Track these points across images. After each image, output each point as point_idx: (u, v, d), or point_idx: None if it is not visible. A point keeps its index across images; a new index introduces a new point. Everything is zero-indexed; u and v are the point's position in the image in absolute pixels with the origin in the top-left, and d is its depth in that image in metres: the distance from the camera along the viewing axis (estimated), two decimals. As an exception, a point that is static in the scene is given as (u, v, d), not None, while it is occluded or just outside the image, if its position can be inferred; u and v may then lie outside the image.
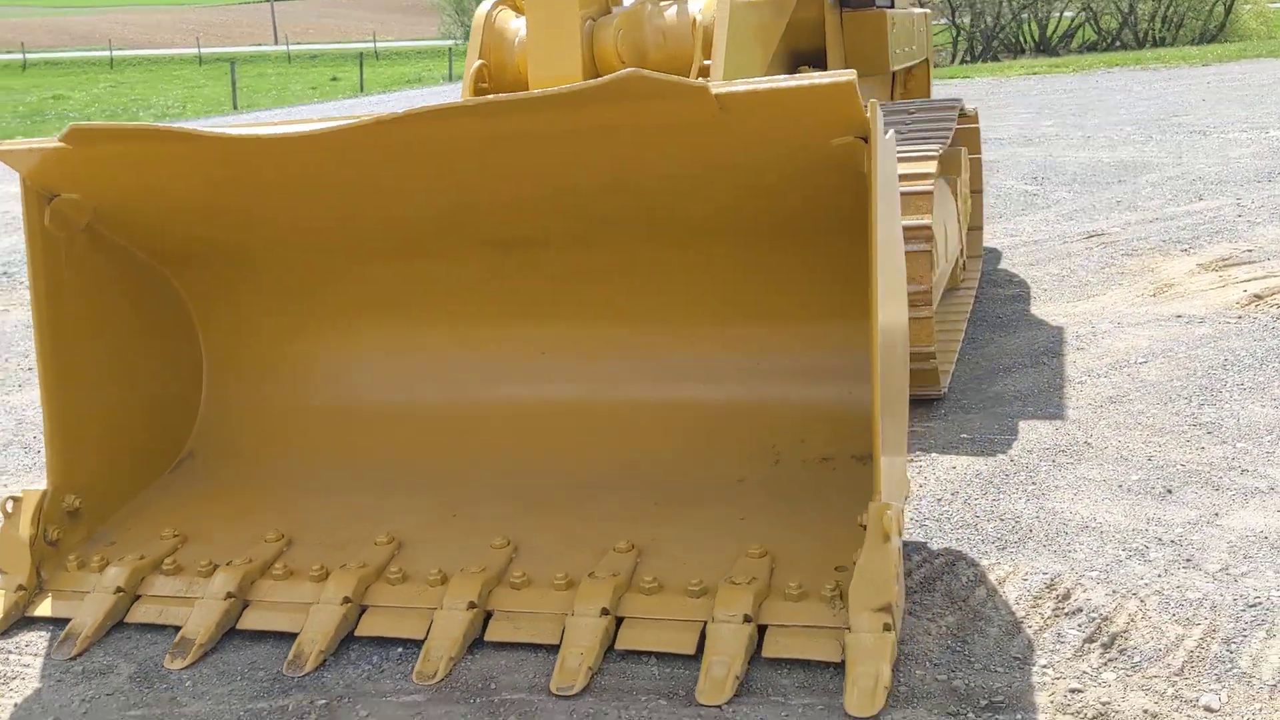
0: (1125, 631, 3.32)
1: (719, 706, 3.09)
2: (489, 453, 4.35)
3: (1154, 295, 6.91)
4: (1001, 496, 4.32)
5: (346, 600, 3.61)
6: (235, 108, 33.13)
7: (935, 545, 3.96)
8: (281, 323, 4.69)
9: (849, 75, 3.10)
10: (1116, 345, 6.02)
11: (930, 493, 4.40)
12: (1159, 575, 3.63)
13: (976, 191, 7.40)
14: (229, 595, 3.72)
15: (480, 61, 5.53)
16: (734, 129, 3.33)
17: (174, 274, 4.63)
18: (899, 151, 5.24)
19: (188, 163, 3.82)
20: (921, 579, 3.71)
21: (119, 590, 3.84)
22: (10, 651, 3.72)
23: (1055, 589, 3.59)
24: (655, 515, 3.87)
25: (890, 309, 3.35)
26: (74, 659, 3.65)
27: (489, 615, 3.56)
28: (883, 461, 3.26)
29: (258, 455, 4.61)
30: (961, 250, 6.68)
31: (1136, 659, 3.18)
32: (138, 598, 3.89)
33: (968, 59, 35.92)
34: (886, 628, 3.13)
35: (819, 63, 6.66)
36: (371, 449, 4.49)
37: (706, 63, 5.10)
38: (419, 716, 3.17)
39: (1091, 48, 36.61)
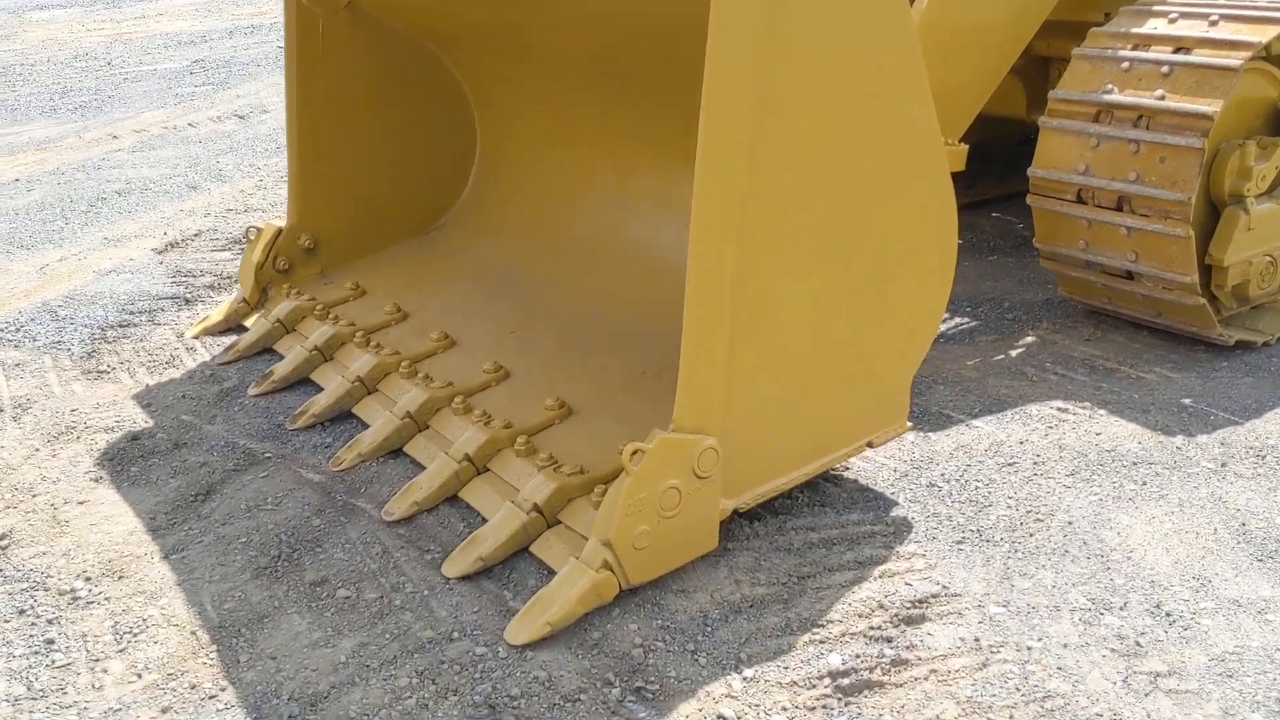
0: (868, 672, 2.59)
1: (445, 578, 3.05)
2: (568, 286, 4.34)
3: None
4: (1079, 488, 3.34)
5: (358, 380, 4.01)
6: None
7: (899, 512, 3.25)
8: (539, 120, 4.91)
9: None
10: None
11: (1014, 453, 3.53)
12: (1043, 633, 2.68)
13: None
14: (315, 349, 4.31)
15: None
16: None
17: (447, 55, 5.04)
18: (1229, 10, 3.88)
19: None
20: (806, 543, 3.13)
21: (278, 322, 4.62)
22: (199, 348, 4.73)
23: (896, 600, 2.83)
24: (622, 384, 3.67)
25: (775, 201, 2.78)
26: (223, 365, 4.53)
27: (425, 427, 3.74)
28: (689, 386, 2.82)
29: (484, 239, 5.00)
30: None
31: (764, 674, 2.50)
32: (292, 330, 4.62)
33: None
34: (606, 566, 2.81)
35: None
36: (527, 263, 4.67)
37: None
38: (295, 490, 3.55)
39: None
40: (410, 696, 2.64)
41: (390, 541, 3.25)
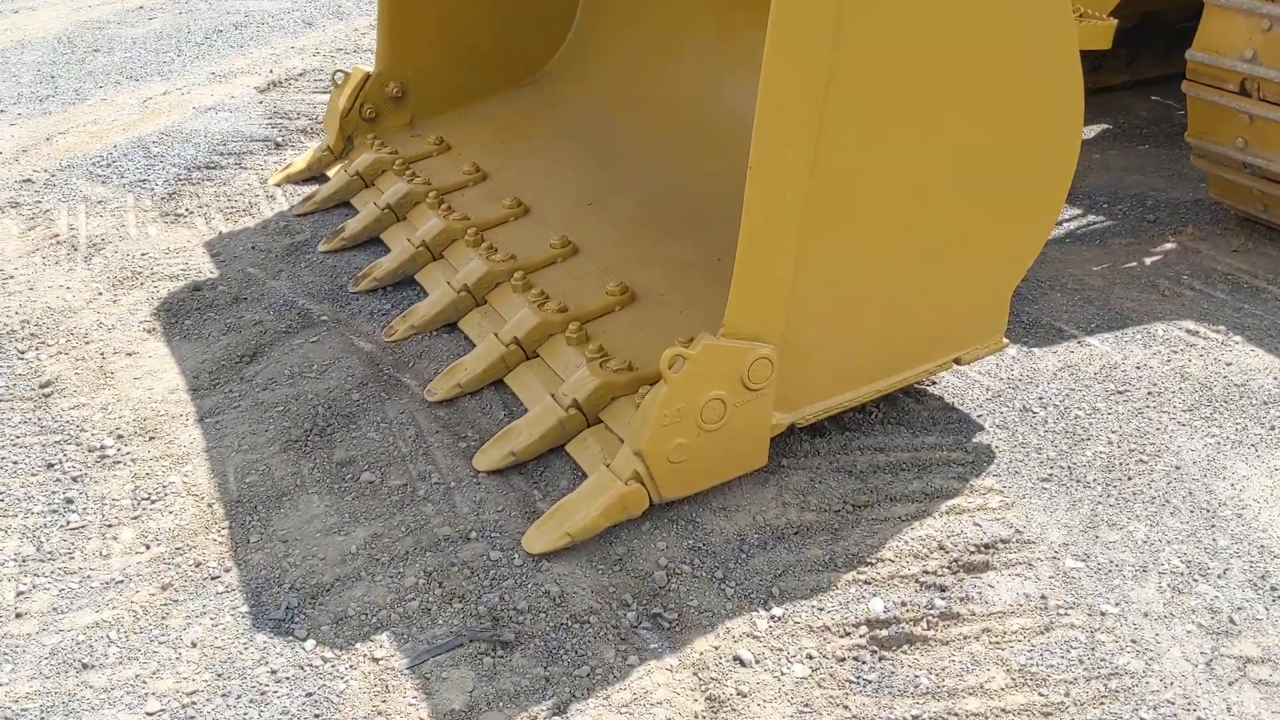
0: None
1: (474, 470, 2.86)
2: (656, 155, 4.00)
3: None
4: (1196, 427, 2.94)
5: (423, 245, 3.79)
6: None
7: (984, 438, 2.91)
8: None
9: None
10: None
11: (1127, 378, 3.13)
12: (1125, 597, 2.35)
13: None
14: (387, 208, 4.09)
15: None
16: None
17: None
18: None
19: None
20: (870, 466, 2.82)
21: (356, 174, 4.41)
22: (279, 196, 4.57)
23: (960, 542, 2.52)
24: (694, 270, 3.37)
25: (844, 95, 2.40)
26: (299, 216, 4.36)
27: (483, 301, 3.51)
28: (746, 286, 2.51)
29: (577, 97, 4.68)
30: None
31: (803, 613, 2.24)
32: (371, 184, 4.41)
33: None
34: (636, 478, 2.56)
35: None
36: (616, 126, 4.34)
37: None
38: (342, 359, 3.39)
39: None
40: (414, 599, 2.47)
41: (427, 424, 3.05)
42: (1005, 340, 2.93)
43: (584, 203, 3.90)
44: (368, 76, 4.63)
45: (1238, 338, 3.30)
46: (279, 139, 5.19)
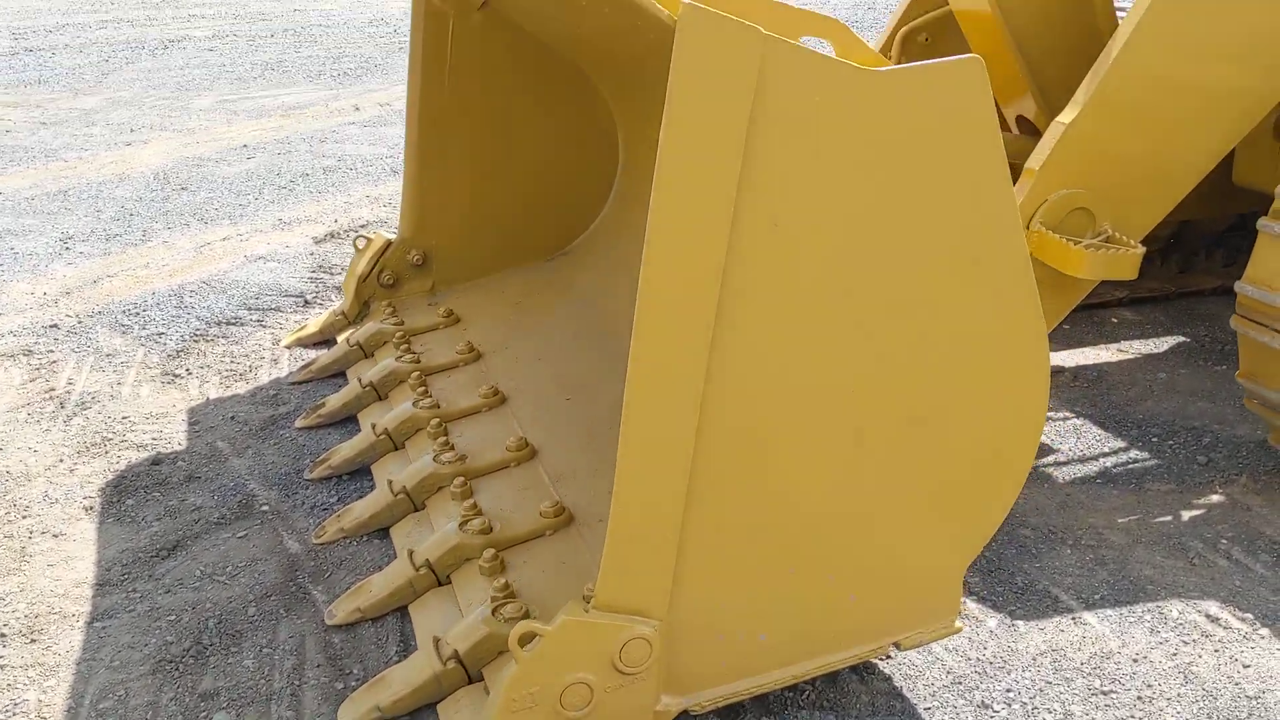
0: None
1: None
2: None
3: None
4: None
5: (385, 433, 3.58)
6: None
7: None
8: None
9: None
10: None
11: (1119, 673, 2.64)
12: None
13: None
14: (369, 385, 3.91)
15: None
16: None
17: (593, 69, 4.49)
18: None
19: None
20: (786, 765, 2.40)
21: (357, 345, 4.26)
22: (284, 359, 4.45)
23: None
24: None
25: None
26: (293, 385, 4.22)
27: (423, 507, 3.25)
28: (621, 551, 2.18)
29: (598, 275, 4.47)
30: None
31: None
32: (370, 355, 4.25)
33: None
34: (478, 770, 2.22)
35: None
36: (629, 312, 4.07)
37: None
38: (261, 560, 3.16)
39: None
40: None
41: (313, 653, 2.78)
42: (959, 624, 2.49)
43: (563, 395, 3.62)
44: (389, 244, 4.51)
45: (1265, 631, 2.77)
46: (310, 295, 5.10)
